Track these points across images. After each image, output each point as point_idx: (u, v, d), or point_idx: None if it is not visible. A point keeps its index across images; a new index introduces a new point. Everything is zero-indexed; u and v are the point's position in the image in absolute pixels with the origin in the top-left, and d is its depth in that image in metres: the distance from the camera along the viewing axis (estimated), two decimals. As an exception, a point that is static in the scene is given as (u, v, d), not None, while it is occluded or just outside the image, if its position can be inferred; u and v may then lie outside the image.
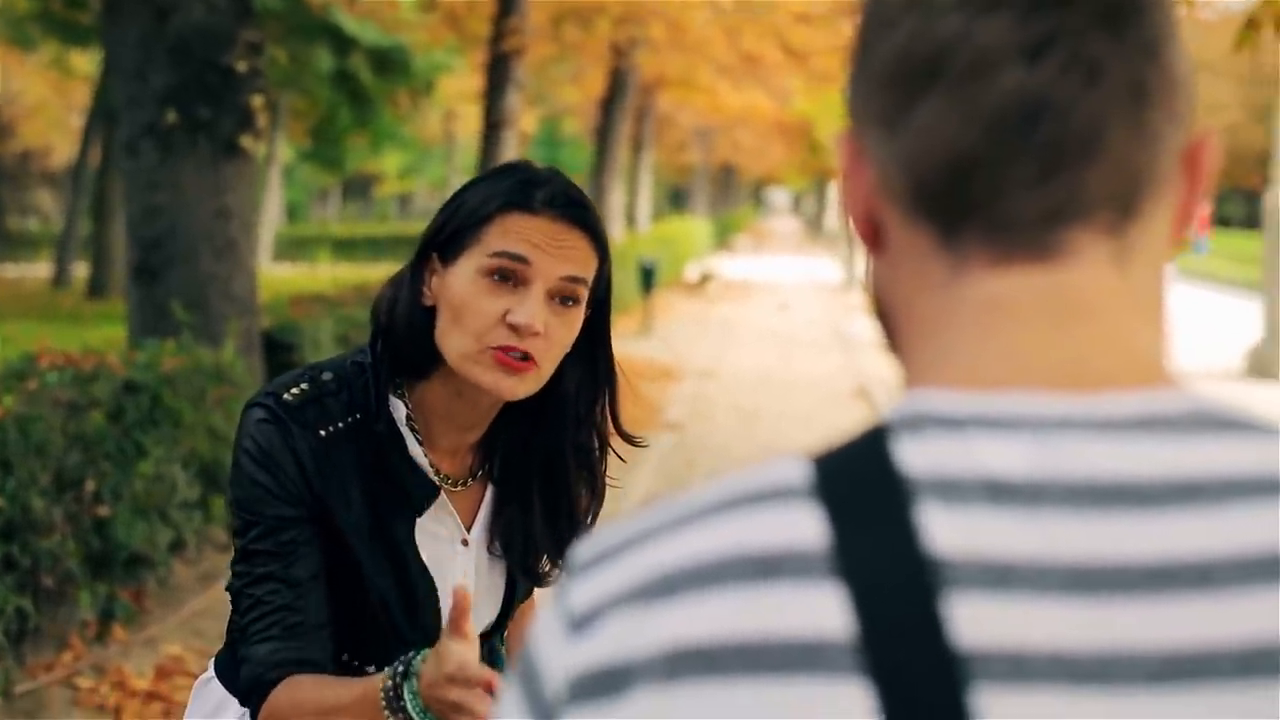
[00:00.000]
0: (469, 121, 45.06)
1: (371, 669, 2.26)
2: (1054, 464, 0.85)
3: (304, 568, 2.18)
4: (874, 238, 0.97)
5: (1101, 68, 0.90)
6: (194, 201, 8.92)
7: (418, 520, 2.27)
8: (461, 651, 1.95)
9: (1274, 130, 18.90)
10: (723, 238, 60.32)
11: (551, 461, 2.35)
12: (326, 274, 26.48)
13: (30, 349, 7.47)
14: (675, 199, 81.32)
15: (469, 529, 2.34)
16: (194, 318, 8.61)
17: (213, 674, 2.40)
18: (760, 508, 0.87)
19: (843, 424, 14.13)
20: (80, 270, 30.06)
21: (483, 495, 2.36)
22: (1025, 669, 0.81)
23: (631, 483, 10.45)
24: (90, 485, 6.64)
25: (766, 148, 61.02)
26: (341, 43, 27.13)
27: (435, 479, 2.28)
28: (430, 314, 2.22)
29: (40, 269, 34.63)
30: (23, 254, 38.35)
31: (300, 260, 35.81)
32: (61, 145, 48.31)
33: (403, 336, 2.24)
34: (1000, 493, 0.84)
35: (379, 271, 23.26)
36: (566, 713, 0.87)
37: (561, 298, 2.19)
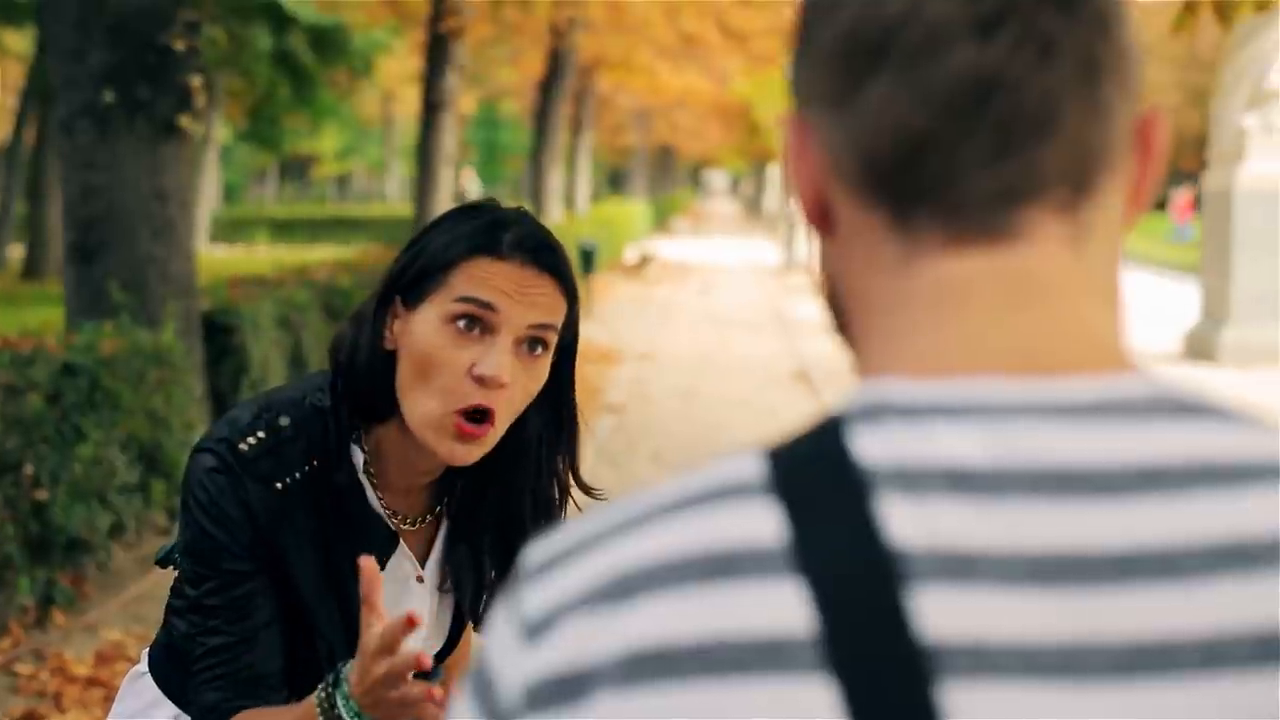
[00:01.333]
0: (407, 103, 44.89)
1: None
2: (1014, 452, 0.83)
3: (257, 618, 2.12)
4: (823, 220, 0.95)
5: (1054, 44, 0.88)
6: (131, 182, 8.83)
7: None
8: (377, 634, 1.91)
9: (1211, 114, 18.99)
10: (661, 220, 60.34)
11: (508, 506, 2.28)
12: (265, 256, 26.38)
13: None
14: (614, 181, 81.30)
15: (423, 564, 2.29)
16: (132, 299, 8.52)
17: (145, 668, 2.36)
18: (716, 505, 0.85)
19: (782, 406, 14.15)
20: (15, 252, 29.80)
21: (437, 531, 2.31)
22: (991, 662, 0.79)
23: (573, 465, 10.40)
24: (28, 469, 6.58)
25: (705, 129, 61.14)
26: (280, 21, 26.99)
27: (392, 524, 2.22)
28: (391, 358, 2.14)
29: (-27, 250, 34.32)
30: (-45, 235, 38.02)
31: (237, 242, 35.63)
32: (-6, 125, 47.94)
33: (363, 381, 2.16)
34: (960, 482, 0.82)
35: (318, 253, 23.19)
36: None
37: (529, 344, 2.11)
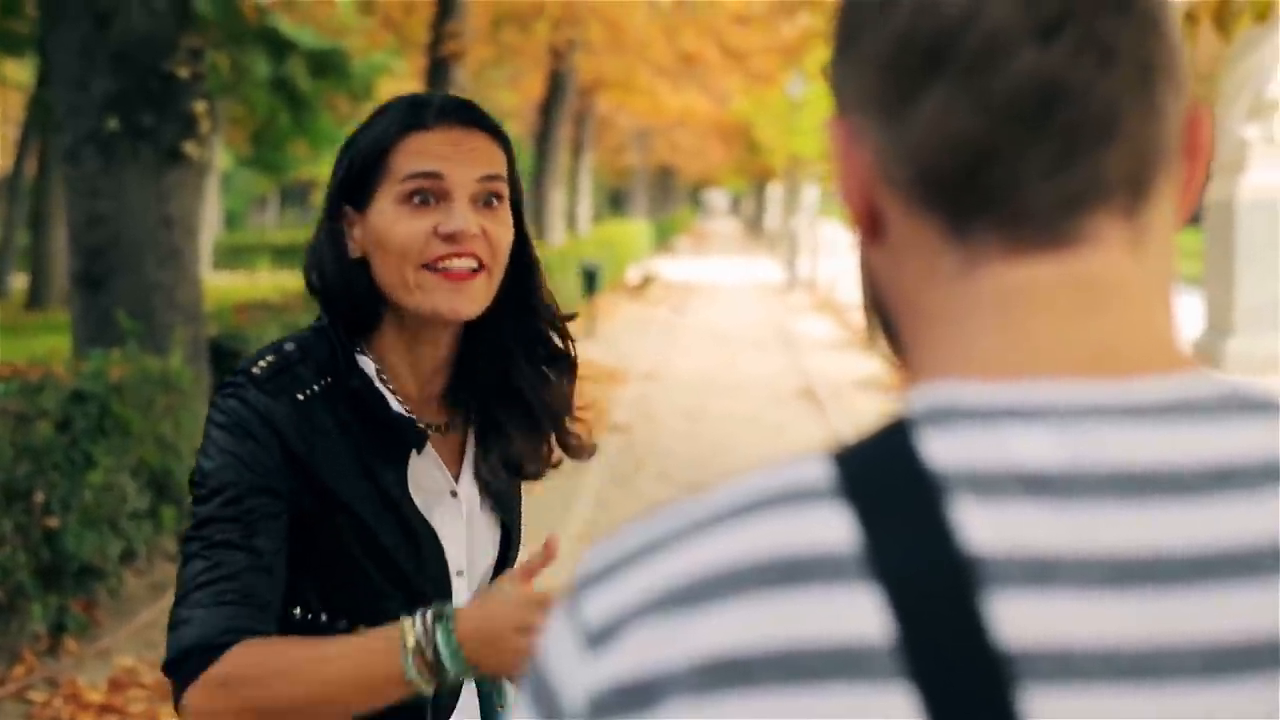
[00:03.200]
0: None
1: (343, 624, 2.16)
2: (1088, 453, 0.82)
3: (266, 540, 2.06)
4: (871, 227, 0.94)
5: (1114, 47, 0.87)
6: (137, 209, 8.86)
7: (408, 474, 2.20)
8: (526, 596, 1.94)
9: (1211, 125, 18.99)
10: (663, 240, 60.37)
11: (508, 366, 2.30)
12: (267, 282, 26.39)
13: None
14: (615, 201, 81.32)
15: (456, 480, 2.29)
16: (139, 326, 8.53)
17: None
18: (785, 510, 0.84)
19: (788, 423, 14.16)
20: (18, 281, 29.80)
21: (464, 445, 2.31)
22: (1072, 666, 0.79)
23: (581, 485, 10.43)
24: (39, 496, 6.60)
25: (705, 149, 61.19)
26: (278, 47, 27.03)
27: (418, 421, 2.22)
28: (363, 266, 2.19)
29: (-24, 280, 34.33)
30: (-42, 265, 38.04)
31: (239, 268, 35.64)
32: (-5, 155, 47.98)
33: (342, 296, 2.20)
34: (1035, 485, 0.81)
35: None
36: None
37: (484, 199, 2.17)
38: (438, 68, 19.68)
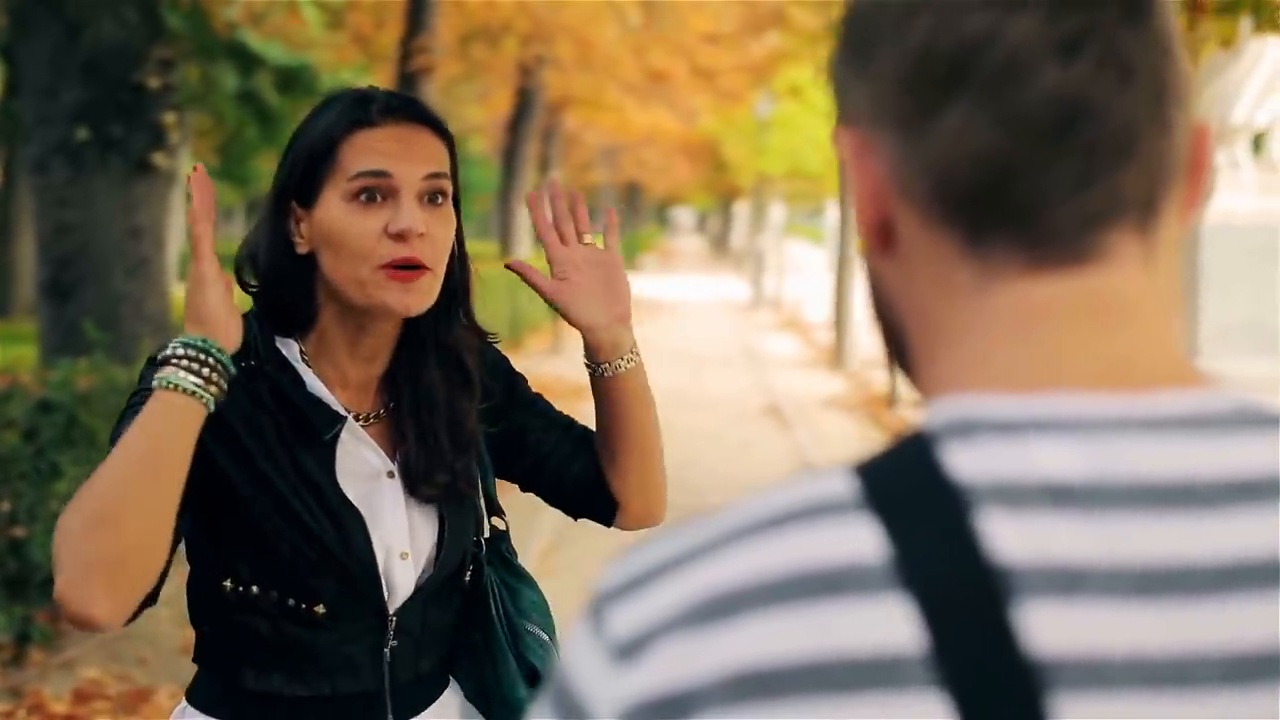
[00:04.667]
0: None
1: (273, 595, 2.20)
2: (1111, 465, 0.84)
3: None
4: (883, 238, 0.94)
5: (1132, 66, 0.88)
6: (105, 219, 8.89)
7: (337, 457, 2.23)
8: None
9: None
10: (629, 257, 60.38)
11: (419, 366, 2.34)
12: (235, 295, 26.37)
13: None
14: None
15: (395, 460, 2.31)
16: (107, 336, 8.52)
17: (185, 704, 2.36)
18: (812, 523, 0.85)
19: (754, 440, 14.19)
20: (-18, 291, 29.71)
21: (403, 429, 2.33)
22: (1102, 674, 0.80)
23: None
24: (5, 506, 6.61)
25: (672, 166, 61.22)
26: (246, 61, 27.00)
27: (339, 409, 2.24)
28: (307, 262, 2.23)
29: (-60, 290, 34.16)
30: (-78, 275, 37.87)
31: (205, 280, 35.60)
32: (-40, 165, 47.78)
33: (283, 290, 2.24)
34: (1060, 496, 0.83)
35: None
36: None
37: (429, 197, 2.21)
38: (406, 82, 19.68)
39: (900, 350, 0.98)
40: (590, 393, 2.49)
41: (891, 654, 0.80)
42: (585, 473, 2.49)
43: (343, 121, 2.20)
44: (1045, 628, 0.81)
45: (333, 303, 2.23)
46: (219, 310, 2.01)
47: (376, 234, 2.16)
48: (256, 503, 2.17)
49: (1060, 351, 0.89)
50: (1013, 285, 0.90)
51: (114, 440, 2.06)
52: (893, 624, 0.81)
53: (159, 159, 9.00)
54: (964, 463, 0.85)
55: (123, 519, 1.93)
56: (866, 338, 22.49)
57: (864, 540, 0.83)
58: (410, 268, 2.17)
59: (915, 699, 0.80)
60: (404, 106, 2.24)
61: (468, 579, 2.41)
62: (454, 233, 2.26)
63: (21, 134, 23.15)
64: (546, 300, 2.44)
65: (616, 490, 2.49)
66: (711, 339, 26.16)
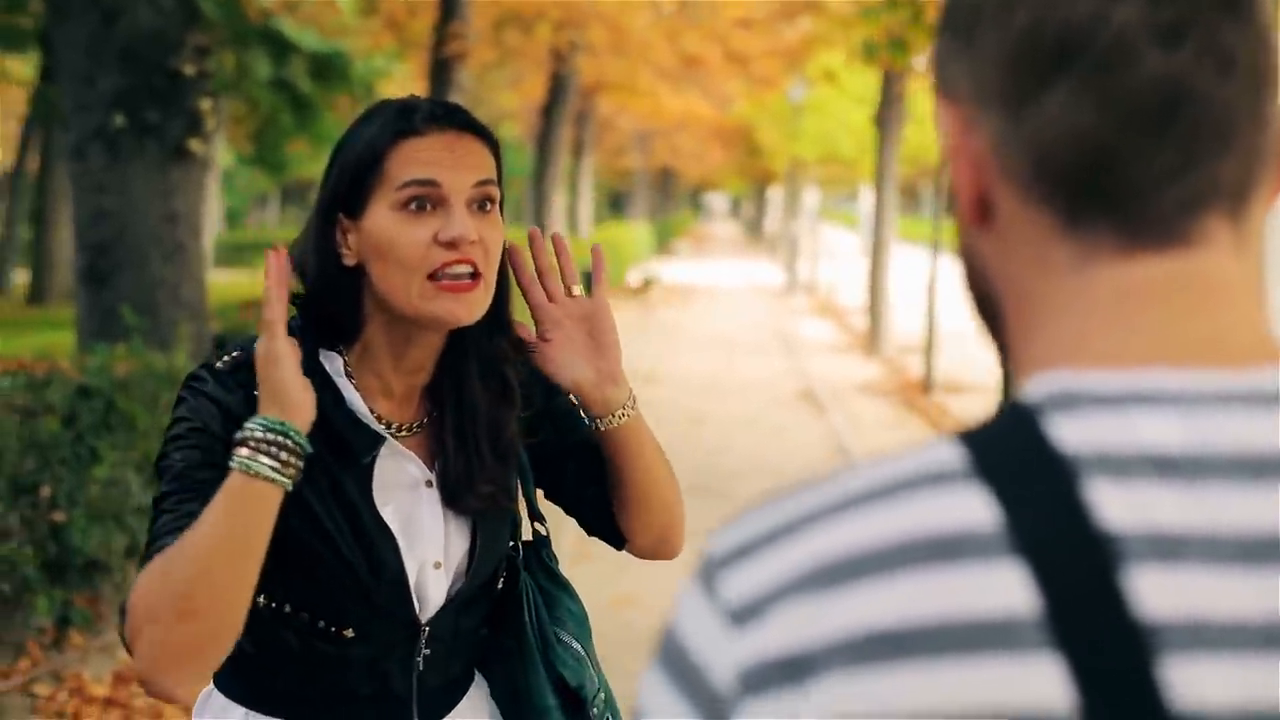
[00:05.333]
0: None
1: (304, 617, 2.22)
2: (1210, 438, 0.87)
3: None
4: (981, 213, 0.98)
5: (1233, 55, 0.90)
6: (142, 205, 8.90)
7: (375, 472, 2.24)
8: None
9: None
10: (663, 242, 60.38)
11: (462, 377, 2.33)
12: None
13: None
14: (615, 204, 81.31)
15: (433, 470, 2.31)
16: (144, 322, 8.56)
17: (212, 688, 2.38)
18: (925, 491, 0.88)
19: (789, 425, 14.19)
20: (20, 277, 29.79)
21: (443, 440, 2.33)
22: (1205, 638, 0.83)
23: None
24: (46, 490, 6.63)
25: (705, 152, 61.13)
26: (280, 48, 27.05)
27: (378, 428, 2.24)
28: (354, 273, 2.23)
29: (-23, 276, 34.30)
30: (-41, 262, 38.03)
31: (241, 266, 35.65)
32: (-4, 152, 47.96)
33: (331, 301, 2.24)
34: (1164, 467, 0.86)
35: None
36: (744, 706, 0.88)
37: (479, 204, 2.21)
38: (440, 68, 19.69)
39: (993, 323, 1.01)
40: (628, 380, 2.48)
41: (1007, 617, 0.84)
42: (598, 499, 2.47)
43: (388, 132, 2.20)
44: (1152, 592, 0.84)
45: (380, 314, 2.22)
46: (294, 388, 2.00)
47: (426, 242, 2.15)
48: (293, 525, 2.16)
49: (1158, 329, 0.92)
50: (1110, 265, 0.93)
51: (163, 470, 2.11)
52: (1008, 588, 0.84)
53: (195, 145, 9.01)
54: (1069, 434, 0.88)
55: (210, 610, 1.96)
56: (901, 323, 22.47)
57: (977, 508, 0.86)
58: (462, 278, 2.16)
59: (1032, 660, 0.83)
60: (449, 115, 2.23)
61: (500, 586, 2.42)
62: (503, 238, 2.25)
63: (58, 120, 23.12)
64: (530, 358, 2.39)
65: (623, 526, 2.46)
66: (746, 324, 26.14)
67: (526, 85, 34.78)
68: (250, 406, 2.10)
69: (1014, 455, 0.88)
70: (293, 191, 69.24)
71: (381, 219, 2.18)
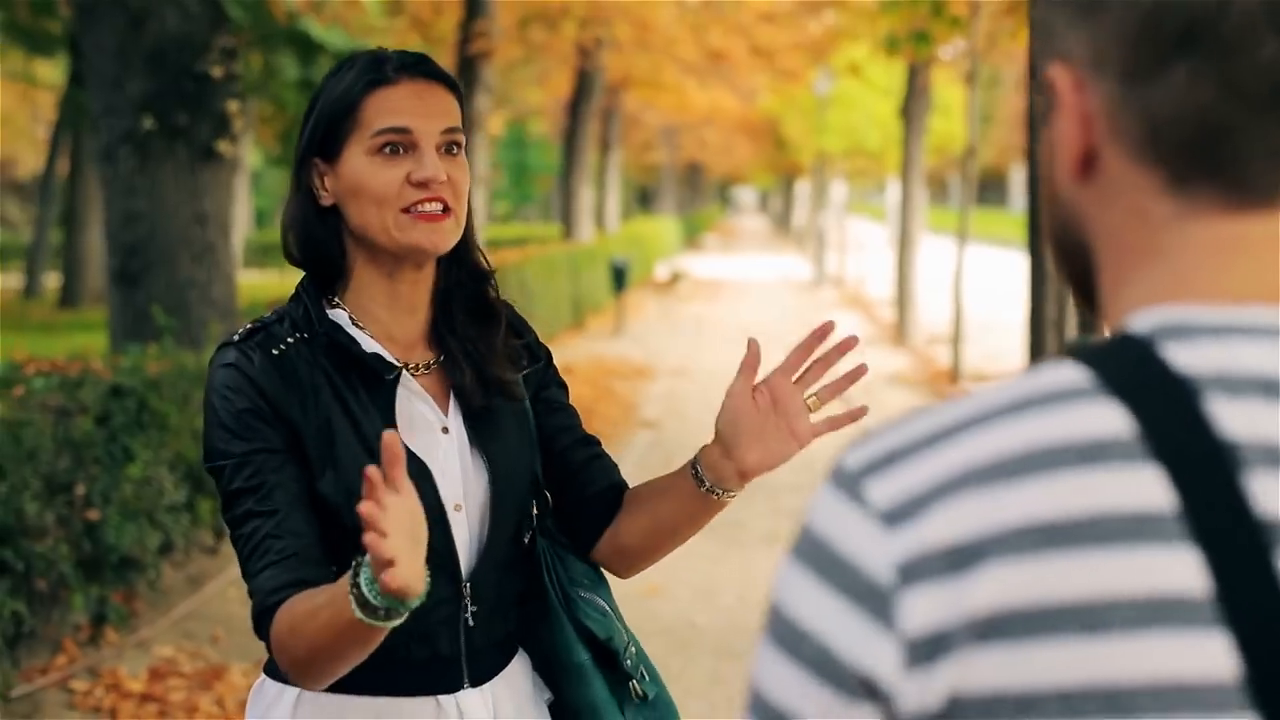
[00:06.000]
0: (436, 125, 44.58)
1: (340, 568, 2.24)
2: None
3: (280, 496, 2.23)
4: (1085, 166, 1.07)
5: None
6: (172, 207, 9.01)
7: (397, 413, 2.33)
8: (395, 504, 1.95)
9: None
10: (691, 237, 60.45)
11: (448, 305, 2.46)
12: (296, 280, 26.50)
13: (4, 357, 7.50)
14: (643, 199, 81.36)
15: (446, 416, 2.41)
16: (174, 322, 8.66)
17: (264, 678, 2.44)
18: (1061, 404, 0.99)
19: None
20: (51, 280, 29.95)
21: (449, 380, 2.43)
22: None
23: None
24: (80, 489, 6.71)
25: (732, 146, 61.18)
26: (307, 49, 27.13)
27: (393, 360, 2.35)
28: (332, 214, 2.37)
29: (9, 279, 34.45)
30: (-8, 265, 38.22)
31: (269, 266, 35.77)
32: (26, 155, 48.11)
33: (316, 242, 2.38)
34: (1268, 389, 0.98)
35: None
36: (906, 593, 0.97)
37: (447, 148, 2.35)
38: (466, 66, 19.75)
39: (1080, 272, 1.12)
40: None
41: (1151, 512, 0.96)
42: (581, 503, 2.54)
43: (362, 81, 2.34)
44: (1267, 494, 0.95)
45: (361, 251, 2.37)
46: (414, 576, 1.97)
47: (399, 182, 2.30)
48: (328, 477, 2.27)
49: (1255, 274, 1.03)
50: (1211, 221, 1.03)
51: (220, 456, 2.26)
52: (1150, 488, 0.96)
53: (223, 146, 9.11)
54: (1184, 358, 0.99)
55: (325, 672, 2.18)
56: (929, 313, 22.48)
57: (1113, 418, 0.98)
58: (435, 211, 2.31)
59: (1172, 551, 0.95)
60: (418, 64, 2.38)
61: (527, 541, 2.49)
62: (469, 179, 2.39)
63: (88, 124, 23.24)
64: (731, 410, 2.47)
65: (618, 543, 2.54)
66: (774, 317, 26.17)
67: (553, 82, 34.86)
68: (270, 366, 2.26)
69: (1138, 375, 0.99)
70: (321, 191, 69.28)
71: (357, 161, 2.33)
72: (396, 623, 2.04)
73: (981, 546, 0.96)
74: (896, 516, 0.99)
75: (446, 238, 2.33)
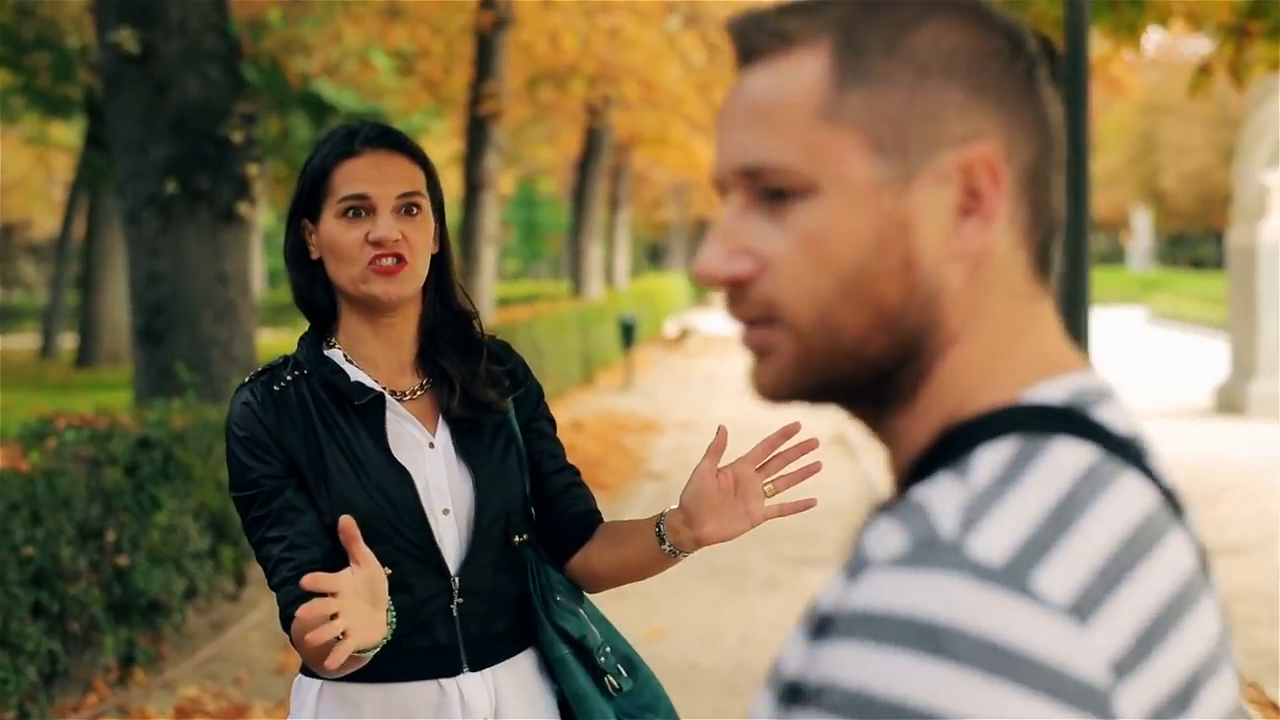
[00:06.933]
0: (448, 184, 45.07)
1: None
2: (1129, 423, 1.13)
3: (287, 520, 2.64)
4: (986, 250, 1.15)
5: None
6: (195, 267, 9.33)
7: (388, 434, 2.71)
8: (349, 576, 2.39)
9: (1234, 173, 19.22)
10: (700, 293, 60.63)
11: (433, 338, 2.82)
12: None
13: (25, 416, 7.79)
14: (652, 255, 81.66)
15: (434, 434, 2.77)
16: (197, 378, 8.97)
17: (300, 675, 2.80)
18: (1120, 483, 1.06)
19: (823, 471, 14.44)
20: (67, 341, 30.18)
21: (437, 403, 2.81)
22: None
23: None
24: (111, 535, 7.03)
25: (741, 203, 61.27)
26: (320, 110, 27.43)
27: (377, 387, 2.73)
28: (320, 266, 2.76)
29: (25, 340, 34.70)
30: (8, 325, 38.48)
31: (283, 325, 36.03)
32: (42, 217, 48.42)
33: (307, 287, 2.79)
34: (1148, 448, 1.12)
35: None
36: (1121, 690, 0.99)
37: (405, 209, 2.71)
38: (476, 126, 20.06)
39: (903, 356, 1.16)
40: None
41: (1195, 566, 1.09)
42: (559, 524, 2.89)
43: (333, 154, 2.74)
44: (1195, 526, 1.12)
45: (343, 296, 2.76)
46: (371, 629, 2.41)
47: (360, 241, 2.68)
48: (321, 493, 2.67)
49: (1064, 347, 1.17)
50: (1048, 298, 1.18)
51: (245, 486, 2.67)
52: (1184, 545, 1.08)
53: (243, 208, 9.43)
54: (1114, 421, 1.12)
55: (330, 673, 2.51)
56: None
57: (1145, 489, 1.08)
58: (389, 265, 2.68)
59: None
60: (381, 137, 2.76)
61: (517, 543, 2.81)
62: (431, 233, 2.77)
63: (105, 185, 23.39)
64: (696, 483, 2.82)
65: (578, 563, 2.88)
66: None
67: (562, 140, 35.21)
68: (270, 400, 2.69)
69: (1117, 444, 1.09)
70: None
71: (329, 224, 2.72)
72: (367, 658, 2.47)
73: (1155, 628, 1.01)
74: (1083, 610, 0.97)
75: (402, 287, 2.70)
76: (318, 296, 2.78)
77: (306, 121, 27.47)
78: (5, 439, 7.09)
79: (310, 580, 2.30)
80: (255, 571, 9.09)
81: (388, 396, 2.73)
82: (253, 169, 9.48)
